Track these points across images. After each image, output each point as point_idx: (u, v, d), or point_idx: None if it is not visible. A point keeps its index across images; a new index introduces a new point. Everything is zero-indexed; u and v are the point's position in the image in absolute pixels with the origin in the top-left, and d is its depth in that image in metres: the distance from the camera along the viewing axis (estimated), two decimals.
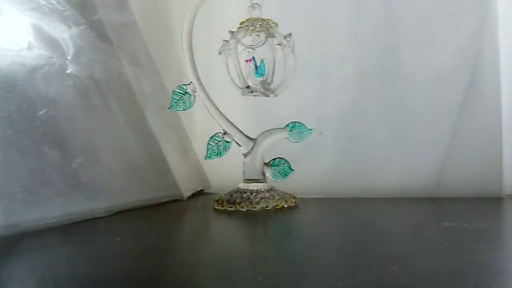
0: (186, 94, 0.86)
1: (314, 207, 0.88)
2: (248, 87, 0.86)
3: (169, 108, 0.86)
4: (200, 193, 1.04)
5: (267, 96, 0.86)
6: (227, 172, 0.96)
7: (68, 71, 0.80)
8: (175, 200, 0.95)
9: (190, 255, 0.59)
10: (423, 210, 0.85)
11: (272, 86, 0.87)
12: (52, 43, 0.79)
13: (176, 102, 0.86)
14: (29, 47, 0.77)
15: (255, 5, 0.85)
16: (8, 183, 0.70)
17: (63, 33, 0.80)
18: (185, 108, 0.86)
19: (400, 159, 0.94)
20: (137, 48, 0.91)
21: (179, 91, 0.86)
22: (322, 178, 0.97)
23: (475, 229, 0.68)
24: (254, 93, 0.86)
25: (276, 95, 0.87)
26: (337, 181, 0.96)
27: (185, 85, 0.86)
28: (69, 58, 0.81)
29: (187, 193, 0.97)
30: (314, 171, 0.97)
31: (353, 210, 0.86)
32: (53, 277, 0.52)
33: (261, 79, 0.86)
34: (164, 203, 0.92)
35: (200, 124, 1.05)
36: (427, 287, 0.45)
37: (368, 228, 0.71)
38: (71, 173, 0.78)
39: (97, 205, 0.80)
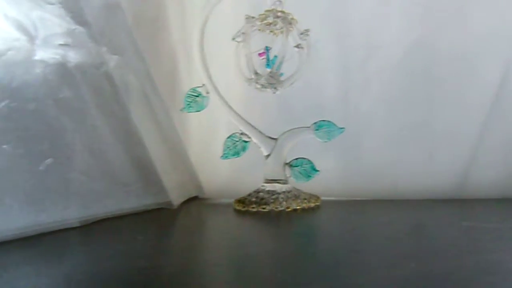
0: (199, 96, 0.85)
1: (335, 208, 0.87)
2: (256, 73, 0.83)
3: (181, 110, 0.85)
4: (192, 199, 0.96)
5: (274, 88, 0.83)
6: (223, 176, 0.95)
7: (36, 57, 0.69)
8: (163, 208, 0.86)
9: (210, 254, 0.61)
10: (446, 211, 0.84)
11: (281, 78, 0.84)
12: (17, 24, 0.68)
13: (188, 104, 0.84)
14: None
15: (277, 2, 0.83)
16: None
17: (31, 13, 0.69)
18: (198, 110, 0.85)
19: (425, 159, 0.91)
20: (121, 34, 0.80)
21: (192, 93, 0.84)
22: (344, 178, 0.94)
23: (496, 228, 0.69)
24: (262, 84, 0.83)
25: (281, 89, 0.84)
26: (359, 182, 0.93)
27: (198, 87, 0.85)
28: (37, 42, 0.70)
29: (177, 201, 0.87)
30: (336, 172, 0.93)
31: (375, 211, 0.85)
32: None
33: (269, 70, 0.83)
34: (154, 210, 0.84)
35: (194, 125, 0.97)
36: (443, 285, 0.46)
37: (388, 228, 0.71)
38: (38, 177, 0.67)
39: (70, 214, 0.69)
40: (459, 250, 0.58)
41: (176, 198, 0.87)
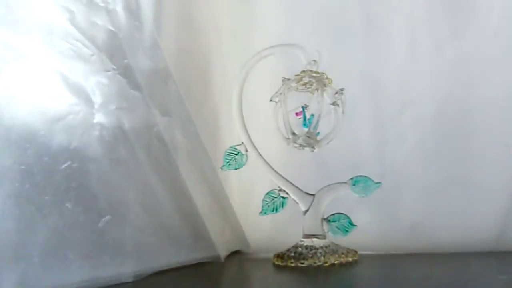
0: (238, 154, 0.87)
1: (373, 262, 0.87)
2: (294, 134, 0.86)
3: (221, 167, 0.87)
4: (234, 253, 0.97)
5: (312, 147, 0.85)
6: (264, 232, 0.96)
7: (94, 121, 0.74)
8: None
9: None
10: (483, 264, 0.84)
11: (318, 137, 0.86)
12: (77, 90, 0.73)
13: (228, 162, 0.86)
14: (52, 94, 0.71)
15: (312, 61, 0.86)
16: (25, 245, 0.64)
17: (90, 79, 0.74)
18: (236, 167, 0.87)
19: (461, 211, 0.91)
20: (170, 96, 0.85)
21: (231, 151, 0.87)
22: (381, 233, 0.94)
23: None
24: (300, 144, 0.85)
25: (319, 148, 0.86)
26: (396, 236, 0.93)
27: (237, 145, 0.87)
28: (95, 106, 0.74)
29: (224, 254, 0.89)
30: (373, 226, 0.93)
31: (412, 265, 0.85)
32: None
33: (306, 129, 0.85)
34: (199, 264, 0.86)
35: (235, 180, 0.99)
36: None
37: (425, 283, 0.73)
38: (96, 233, 0.70)
39: (125, 269, 0.72)
40: None
41: (223, 252, 0.88)
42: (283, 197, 0.87)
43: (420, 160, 0.94)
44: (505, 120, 0.91)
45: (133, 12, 0.79)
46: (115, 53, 0.77)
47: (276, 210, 0.87)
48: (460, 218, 0.91)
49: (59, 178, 0.68)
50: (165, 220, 0.81)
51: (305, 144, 0.85)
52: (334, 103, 0.85)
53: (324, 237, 0.86)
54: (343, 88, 0.85)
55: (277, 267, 0.84)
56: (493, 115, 0.91)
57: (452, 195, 0.92)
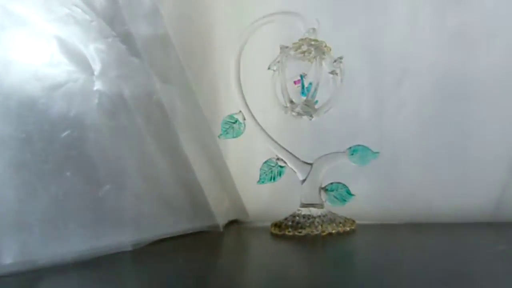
0: (236, 123, 0.86)
1: (370, 232, 0.87)
2: (292, 102, 0.85)
3: (219, 136, 0.86)
4: (232, 223, 0.98)
5: (310, 116, 0.85)
6: (261, 201, 0.98)
7: (94, 88, 0.72)
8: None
9: (251, 276, 0.63)
10: (481, 234, 0.84)
11: (316, 106, 0.86)
12: (77, 57, 0.72)
13: (225, 130, 0.86)
14: (51, 61, 0.70)
15: (311, 30, 0.85)
16: (25, 214, 0.63)
17: (89, 46, 0.73)
18: (234, 136, 0.86)
19: (459, 182, 0.92)
20: (170, 63, 0.84)
21: (229, 120, 0.86)
22: (379, 202, 0.95)
23: None
24: (298, 112, 0.85)
25: (317, 116, 0.86)
26: (394, 206, 0.94)
27: (235, 114, 0.86)
28: (95, 73, 0.73)
29: (222, 223, 0.89)
30: (370, 195, 0.94)
31: (409, 234, 0.86)
32: None
33: (305, 98, 0.85)
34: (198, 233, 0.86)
35: (233, 148, 0.99)
36: None
37: (422, 252, 0.72)
38: (97, 202, 0.70)
39: (125, 238, 0.72)
40: (492, 274, 0.59)
41: (222, 221, 0.89)
42: (281, 166, 0.87)
43: (419, 130, 0.94)
44: (505, 90, 0.91)
45: None
46: (114, 19, 0.75)
47: (274, 179, 0.87)
48: (458, 188, 0.92)
49: (59, 146, 0.67)
50: (164, 189, 0.80)
51: (303, 113, 0.85)
52: (332, 72, 0.84)
53: (321, 206, 0.86)
54: (342, 57, 0.85)
55: (274, 236, 0.85)
56: (493, 84, 0.91)
57: (451, 165, 0.93)
